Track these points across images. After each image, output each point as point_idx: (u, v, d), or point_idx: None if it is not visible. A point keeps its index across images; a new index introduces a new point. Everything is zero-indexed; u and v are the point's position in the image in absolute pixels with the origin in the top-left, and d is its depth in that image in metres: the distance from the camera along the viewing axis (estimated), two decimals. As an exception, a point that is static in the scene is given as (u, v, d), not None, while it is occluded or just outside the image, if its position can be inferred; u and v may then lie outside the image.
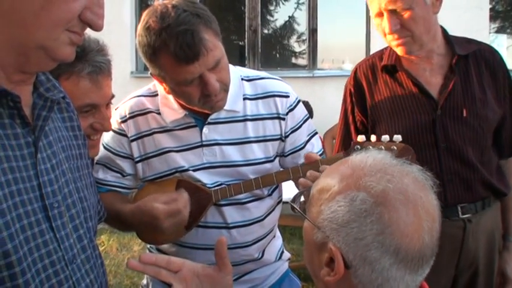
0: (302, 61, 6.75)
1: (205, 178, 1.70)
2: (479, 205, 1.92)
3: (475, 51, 1.93)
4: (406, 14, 1.79)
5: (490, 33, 6.69)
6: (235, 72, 1.77)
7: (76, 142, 1.26)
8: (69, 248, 1.10)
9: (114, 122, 1.75)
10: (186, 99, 1.62)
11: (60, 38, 1.00)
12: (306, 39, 6.42)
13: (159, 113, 1.72)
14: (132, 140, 1.73)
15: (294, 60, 7.23)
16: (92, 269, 1.18)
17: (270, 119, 1.75)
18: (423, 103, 1.90)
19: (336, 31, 6.50)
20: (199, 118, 1.70)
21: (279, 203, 1.91)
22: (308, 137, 1.83)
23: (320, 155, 1.80)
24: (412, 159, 1.61)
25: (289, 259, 2.02)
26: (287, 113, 1.76)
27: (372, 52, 1.83)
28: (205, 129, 1.70)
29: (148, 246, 1.97)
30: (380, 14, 1.84)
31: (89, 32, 1.08)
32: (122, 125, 1.74)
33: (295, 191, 1.88)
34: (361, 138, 1.63)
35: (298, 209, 1.09)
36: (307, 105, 1.85)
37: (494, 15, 7.15)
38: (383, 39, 1.93)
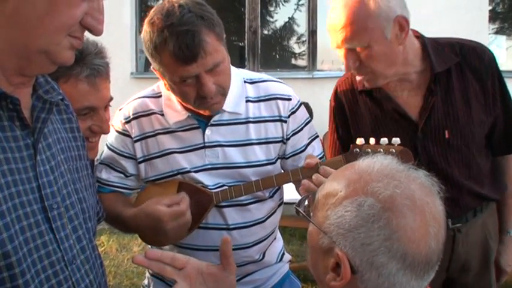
0: (302, 62, 6.76)
1: (207, 179, 1.71)
2: (471, 214, 1.90)
3: (459, 62, 1.80)
4: (364, 53, 1.68)
5: (489, 34, 6.71)
6: (238, 74, 1.78)
7: (75, 143, 1.27)
8: (69, 249, 1.11)
9: (118, 123, 1.77)
10: (182, 98, 1.63)
11: (62, 42, 1.02)
12: (305, 41, 6.43)
13: (162, 114, 1.73)
14: (136, 141, 1.74)
15: (293, 61, 7.24)
16: (91, 269, 1.19)
17: (272, 122, 1.76)
18: (403, 126, 1.82)
19: (336, 32, 6.50)
20: (202, 120, 1.71)
21: (280, 205, 1.91)
22: (309, 140, 1.84)
23: (320, 158, 1.81)
24: (410, 162, 1.62)
25: (289, 261, 2.02)
26: (289, 116, 1.77)
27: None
28: (207, 131, 1.71)
29: (149, 247, 1.97)
30: (338, 47, 1.73)
31: (87, 33, 1.09)
32: (126, 125, 1.75)
33: (296, 192, 1.90)
34: (359, 141, 1.63)
35: (303, 213, 1.09)
36: (306, 106, 1.85)
37: (493, 17, 7.16)
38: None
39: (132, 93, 1.87)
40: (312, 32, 6.23)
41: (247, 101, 1.74)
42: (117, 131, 1.77)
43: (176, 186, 1.70)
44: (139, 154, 1.74)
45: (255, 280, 1.87)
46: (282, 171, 1.82)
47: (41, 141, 1.08)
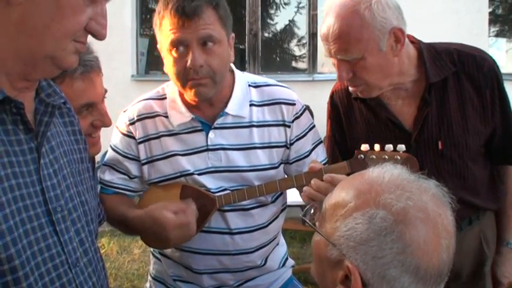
0: (302, 65, 6.76)
1: (210, 182, 1.71)
2: (465, 223, 1.87)
3: (456, 71, 1.75)
4: (358, 64, 1.64)
5: (489, 36, 6.71)
6: (243, 78, 1.78)
7: (77, 146, 1.28)
8: (72, 252, 1.11)
9: (123, 124, 1.78)
10: (172, 71, 1.63)
11: (68, 47, 1.03)
12: (306, 43, 6.44)
13: (166, 116, 1.73)
14: (140, 142, 1.75)
15: (294, 64, 7.25)
16: (94, 271, 1.19)
17: (276, 126, 1.76)
18: (396, 134, 1.79)
19: (336, 35, 6.51)
20: (206, 122, 1.72)
21: (283, 210, 1.91)
22: (313, 146, 1.83)
23: (324, 164, 1.80)
24: (415, 169, 1.62)
25: (292, 266, 2.02)
26: (293, 121, 1.77)
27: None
28: (211, 134, 1.71)
29: (151, 250, 1.98)
30: (331, 57, 1.70)
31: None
32: (130, 127, 1.75)
33: (298, 197, 1.90)
34: (364, 147, 1.62)
35: (311, 224, 1.07)
36: (307, 109, 1.85)
37: (493, 19, 7.17)
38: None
39: (133, 95, 1.88)
40: (313, 35, 6.24)
41: (251, 105, 1.75)
42: (121, 133, 1.78)
43: (179, 189, 1.70)
44: (142, 156, 1.75)
45: (257, 286, 1.86)
46: (285, 176, 1.82)
47: (44, 144, 1.09)
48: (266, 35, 7.09)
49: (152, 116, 1.75)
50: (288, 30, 7.19)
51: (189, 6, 1.52)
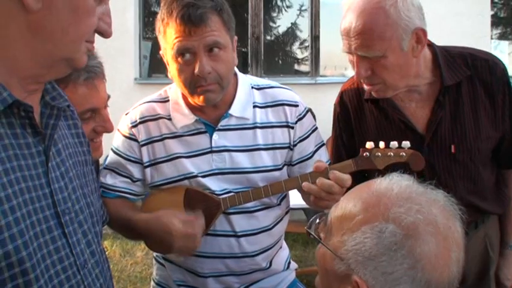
0: (305, 68, 6.76)
1: (214, 185, 1.71)
2: (472, 227, 1.86)
3: (470, 75, 1.74)
4: (378, 62, 1.60)
5: (492, 39, 6.71)
6: (246, 80, 1.79)
7: (81, 149, 1.29)
8: (81, 254, 1.12)
9: (125, 127, 1.77)
10: (179, 78, 1.63)
11: (82, 49, 1.06)
12: (308, 46, 6.44)
13: (169, 119, 1.74)
14: (142, 145, 1.74)
15: (296, 66, 7.24)
16: (101, 273, 1.20)
17: (279, 127, 1.76)
18: (409, 137, 1.73)
19: (338, 38, 6.51)
20: (210, 124, 1.72)
21: (287, 213, 1.91)
22: (316, 147, 1.83)
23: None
24: (421, 165, 1.63)
25: (296, 269, 2.02)
26: (296, 122, 1.77)
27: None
28: (215, 136, 1.71)
29: (154, 255, 1.97)
30: (350, 53, 1.66)
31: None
32: (133, 129, 1.75)
33: (301, 199, 1.90)
34: (369, 145, 1.63)
35: (316, 237, 1.04)
36: (310, 111, 1.86)
37: (496, 22, 7.16)
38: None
39: (136, 98, 1.88)
40: (315, 38, 6.25)
41: (254, 106, 1.75)
42: (124, 135, 1.77)
43: (183, 192, 1.70)
44: (145, 158, 1.75)
45: None
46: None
47: (52, 147, 1.10)
48: (268, 38, 7.09)
49: (155, 118, 1.75)
50: (290, 33, 7.19)
51: (194, 14, 1.52)
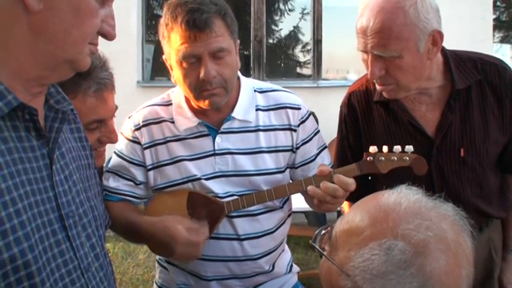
0: (307, 71, 6.77)
1: (217, 187, 1.71)
2: (476, 231, 1.87)
3: (480, 80, 1.73)
4: (394, 62, 1.59)
5: (494, 42, 6.71)
6: (248, 83, 1.80)
7: (84, 152, 1.29)
8: (84, 257, 1.13)
9: (128, 130, 1.78)
10: (184, 82, 1.63)
11: (85, 50, 1.06)
12: (310, 49, 6.45)
13: (172, 122, 1.74)
14: (145, 148, 1.75)
15: (298, 70, 7.25)
16: (105, 276, 1.21)
17: (282, 130, 1.77)
18: (418, 141, 1.75)
19: (341, 41, 6.52)
20: (213, 127, 1.73)
21: (289, 215, 1.91)
22: (318, 150, 1.84)
23: None
24: (424, 169, 1.64)
25: (298, 272, 2.02)
26: (299, 125, 1.78)
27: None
28: (217, 138, 1.72)
29: (157, 258, 1.97)
30: (365, 52, 1.64)
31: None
32: (136, 132, 1.76)
33: (302, 203, 1.90)
34: (373, 149, 1.63)
35: (321, 251, 1.01)
36: (312, 115, 1.86)
37: (498, 25, 7.17)
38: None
39: (138, 101, 1.89)
40: (317, 41, 6.25)
41: (257, 110, 1.76)
42: (127, 138, 1.78)
43: (186, 196, 1.70)
44: (148, 161, 1.75)
45: None
46: (291, 181, 1.83)
47: (56, 150, 1.11)
48: (271, 41, 7.10)
49: (158, 121, 1.76)
50: (293, 37, 7.20)
51: (199, 19, 1.52)
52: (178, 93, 1.77)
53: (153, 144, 1.75)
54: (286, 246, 2.00)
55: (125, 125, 1.81)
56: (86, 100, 1.52)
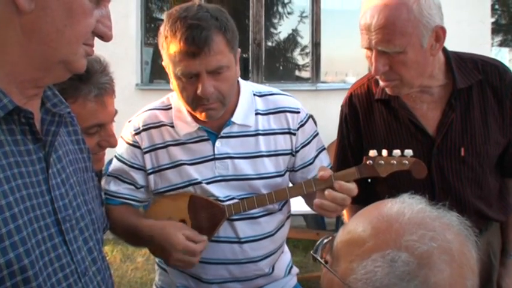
0: (305, 74, 6.77)
1: (217, 191, 1.72)
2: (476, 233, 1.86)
3: (480, 80, 1.75)
4: (397, 58, 1.61)
5: (492, 46, 6.72)
6: (248, 87, 1.80)
7: (81, 155, 1.28)
8: (81, 261, 1.12)
9: (128, 134, 1.78)
10: (182, 95, 1.64)
11: (79, 51, 1.05)
12: (309, 52, 6.45)
13: (172, 126, 1.74)
14: (145, 152, 1.75)
15: (297, 73, 7.25)
16: (102, 280, 1.20)
17: (282, 134, 1.77)
18: (419, 140, 1.78)
19: (339, 44, 6.53)
20: (212, 132, 1.73)
21: (288, 217, 1.92)
22: (317, 153, 1.85)
23: None
24: (423, 173, 1.64)
25: (297, 274, 2.02)
26: (298, 128, 1.78)
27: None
28: (217, 143, 1.72)
29: (157, 260, 1.97)
30: (369, 49, 1.66)
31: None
32: (136, 137, 1.76)
33: (301, 205, 1.90)
34: (372, 153, 1.64)
35: (323, 263, 0.98)
36: (311, 118, 1.86)
37: (496, 29, 7.18)
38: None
39: (137, 104, 1.89)
40: (316, 44, 6.26)
41: (256, 114, 1.76)
42: (127, 143, 1.78)
43: (187, 199, 1.71)
44: (148, 165, 1.75)
45: None
46: (290, 183, 1.83)
47: (52, 154, 1.10)
48: (270, 44, 7.10)
49: (158, 126, 1.76)
50: (292, 40, 7.20)
51: (198, 38, 1.50)
52: (177, 97, 1.77)
53: (153, 149, 1.75)
54: (286, 247, 2.00)
55: (125, 129, 1.81)
56: (86, 104, 1.52)
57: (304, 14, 6.81)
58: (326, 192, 1.60)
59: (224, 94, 1.62)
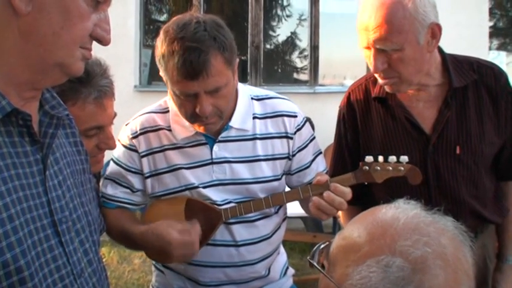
0: (304, 77, 6.78)
1: (215, 195, 1.72)
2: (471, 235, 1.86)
3: (476, 80, 1.78)
4: (395, 55, 1.64)
5: (490, 49, 6.74)
6: (245, 91, 1.80)
7: (79, 157, 1.29)
8: (77, 262, 1.12)
9: (125, 138, 1.77)
10: (180, 111, 1.64)
11: (76, 54, 1.05)
12: (307, 55, 6.47)
13: (170, 130, 1.74)
14: (143, 156, 1.74)
15: (295, 75, 7.27)
16: (98, 282, 1.20)
17: (279, 138, 1.77)
18: (415, 138, 1.80)
19: (338, 47, 6.55)
20: (210, 136, 1.73)
21: (284, 220, 1.92)
22: (313, 156, 1.85)
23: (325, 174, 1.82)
24: (419, 179, 1.66)
25: (293, 275, 2.02)
26: (295, 133, 1.79)
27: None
28: (215, 147, 1.72)
29: (153, 262, 1.97)
30: (368, 48, 1.69)
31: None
32: (133, 140, 1.75)
33: (298, 208, 1.91)
34: (368, 159, 1.65)
35: (319, 268, 0.98)
36: (308, 121, 1.87)
37: (494, 32, 7.20)
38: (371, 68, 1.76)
39: (136, 106, 1.89)
40: (314, 47, 6.27)
41: (254, 118, 1.76)
42: (124, 146, 1.77)
43: (184, 203, 1.71)
44: (146, 169, 1.75)
45: None
46: (287, 186, 1.84)
47: (49, 156, 1.10)
48: (268, 47, 7.11)
49: (155, 129, 1.75)
50: (290, 43, 7.22)
51: (196, 62, 1.48)
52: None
53: (150, 153, 1.75)
54: (282, 249, 2.01)
55: (122, 132, 1.80)
56: (85, 107, 1.53)
57: (302, 17, 6.83)
58: (325, 194, 1.61)
59: (222, 110, 1.62)
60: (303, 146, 1.81)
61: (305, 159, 1.83)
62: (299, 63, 7.13)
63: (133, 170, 1.77)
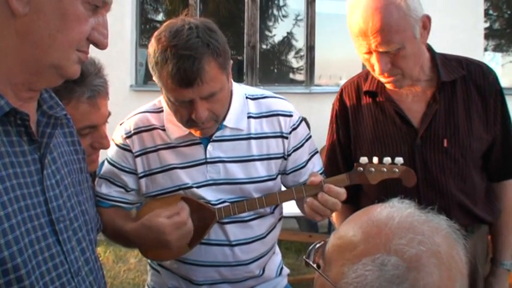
0: (300, 77, 6.80)
1: (209, 195, 1.72)
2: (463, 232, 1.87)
3: (464, 76, 1.83)
4: (398, 54, 1.68)
5: (485, 51, 6.76)
6: (240, 90, 1.79)
7: (76, 156, 1.29)
8: (75, 261, 1.13)
9: (119, 137, 1.77)
10: (175, 116, 1.65)
11: (72, 57, 1.06)
12: (303, 55, 6.48)
13: (164, 130, 1.74)
14: (137, 156, 1.74)
15: (291, 76, 7.28)
16: (95, 280, 1.21)
17: (274, 138, 1.77)
18: (404, 131, 1.83)
19: (334, 48, 6.57)
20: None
21: (279, 220, 1.92)
22: (309, 156, 1.85)
23: (320, 173, 1.83)
24: (413, 181, 1.67)
25: (288, 274, 2.03)
26: (290, 132, 1.78)
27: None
28: (209, 147, 1.72)
29: (149, 261, 1.97)
30: (369, 53, 1.72)
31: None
32: (127, 140, 1.75)
33: (293, 208, 1.91)
34: (363, 160, 1.66)
35: (315, 268, 0.98)
36: (304, 121, 1.87)
37: (489, 34, 7.22)
38: (371, 71, 1.81)
39: (132, 105, 1.89)
40: (310, 47, 6.29)
41: (249, 117, 1.76)
42: (118, 146, 1.77)
43: (178, 201, 1.70)
44: (140, 169, 1.75)
45: None
46: (282, 186, 1.84)
47: (47, 155, 1.11)
48: (264, 47, 7.13)
49: (149, 129, 1.75)
50: (286, 43, 7.23)
51: (190, 70, 1.48)
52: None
53: (144, 152, 1.75)
54: (277, 249, 2.01)
55: (116, 132, 1.80)
56: (79, 106, 1.53)
57: (299, 17, 6.84)
58: (319, 195, 1.61)
59: (218, 114, 1.63)
60: (299, 145, 1.81)
61: (301, 159, 1.83)
62: (295, 63, 7.14)
63: (127, 169, 1.77)
